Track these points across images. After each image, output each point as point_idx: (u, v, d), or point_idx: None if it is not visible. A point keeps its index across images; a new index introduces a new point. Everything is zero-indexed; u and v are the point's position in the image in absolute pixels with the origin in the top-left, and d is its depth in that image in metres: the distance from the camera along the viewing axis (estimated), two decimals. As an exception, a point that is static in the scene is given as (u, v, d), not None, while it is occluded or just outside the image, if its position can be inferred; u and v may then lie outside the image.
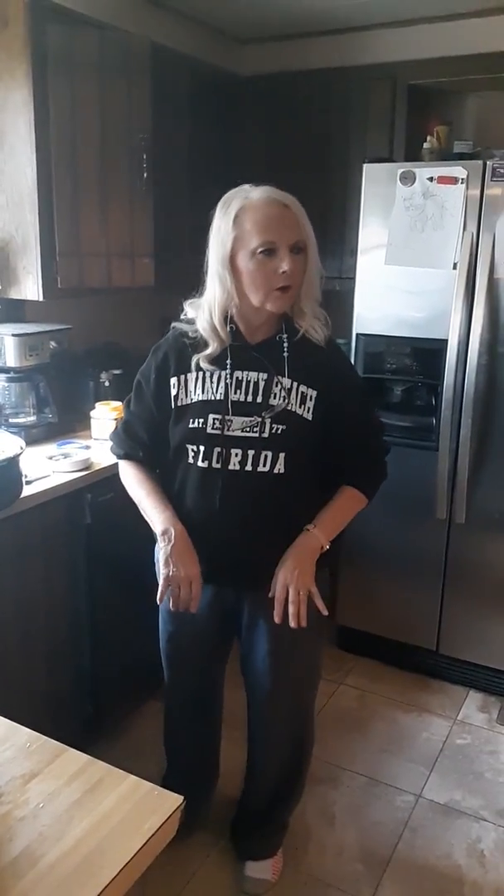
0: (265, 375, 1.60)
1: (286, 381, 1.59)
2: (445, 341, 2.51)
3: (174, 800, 0.92)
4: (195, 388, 1.62)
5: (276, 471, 1.59)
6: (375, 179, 2.57)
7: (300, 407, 1.60)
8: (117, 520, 2.18)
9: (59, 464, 2.13)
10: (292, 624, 1.59)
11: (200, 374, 1.62)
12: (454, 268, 2.47)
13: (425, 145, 2.75)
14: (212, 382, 1.61)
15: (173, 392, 1.64)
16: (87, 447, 2.31)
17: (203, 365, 1.61)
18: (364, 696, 2.75)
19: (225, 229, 1.52)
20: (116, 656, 2.32)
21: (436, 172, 2.46)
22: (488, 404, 2.54)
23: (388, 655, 2.91)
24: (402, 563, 2.79)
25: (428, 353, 2.63)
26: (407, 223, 2.53)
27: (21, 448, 1.86)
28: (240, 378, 1.60)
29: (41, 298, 2.36)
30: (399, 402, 2.79)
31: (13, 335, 2.32)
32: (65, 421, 2.51)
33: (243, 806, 2.02)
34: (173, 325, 1.70)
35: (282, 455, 1.59)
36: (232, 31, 3.12)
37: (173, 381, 1.64)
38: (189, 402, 1.63)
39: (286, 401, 1.59)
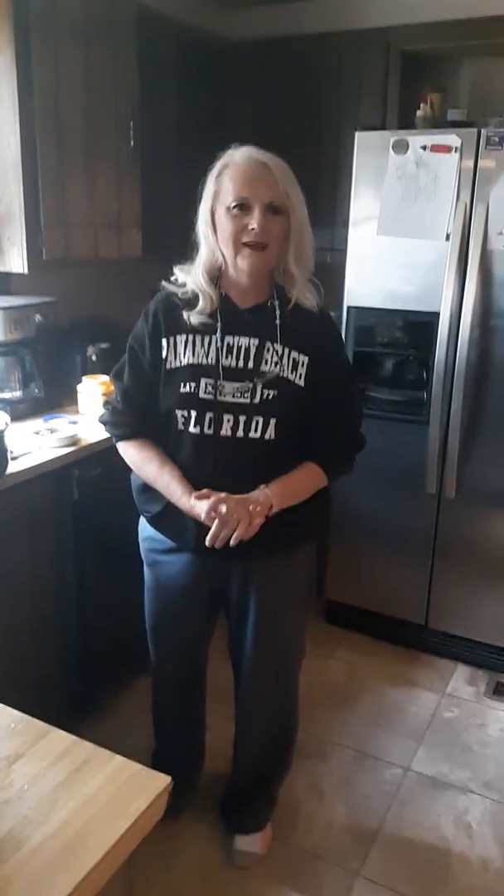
0: (256, 341, 1.58)
1: (278, 347, 1.58)
2: (437, 314, 2.48)
3: (161, 780, 0.91)
4: (184, 350, 1.60)
5: (266, 437, 1.58)
6: (367, 148, 2.52)
7: (292, 373, 1.58)
8: (105, 496, 2.16)
9: (46, 439, 2.10)
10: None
11: (191, 336, 1.60)
12: (447, 239, 2.43)
13: (418, 113, 2.70)
14: (202, 346, 1.59)
15: (163, 354, 1.62)
16: (74, 422, 2.28)
17: (194, 321, 1.59)
18: (352, 670, 2.76)
19: (209, 186, 1.54)
20: (104, 633, 2.31)
21: (429, 141, 2.41)
22: (480, 378, 2.52)
23: (376, 630, 2.92)
24: (391, 537, 2.79)
25: (419, 326, 2.60)
26: (399, 193, 2.48)
27: (6, 423, 1.83)
28: (230, 343, 1.58)
29: (26, 271, 2.30)
30: (390, 375, 2.76)
31: (-2, 308, 2.27)
32: (51, 396, 2.47)
33: (232, 780, 2.03)
34: (162, 284, 1.67)
35: (272, 421, 1.58)
36: (220, -7, 3.03)
37: (164, 342, 1.62)
38: (178, 365, 1.60)
39: (278, 366, 1.57)
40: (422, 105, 2.71)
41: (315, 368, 1.60)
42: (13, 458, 1.93)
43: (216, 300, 1.59)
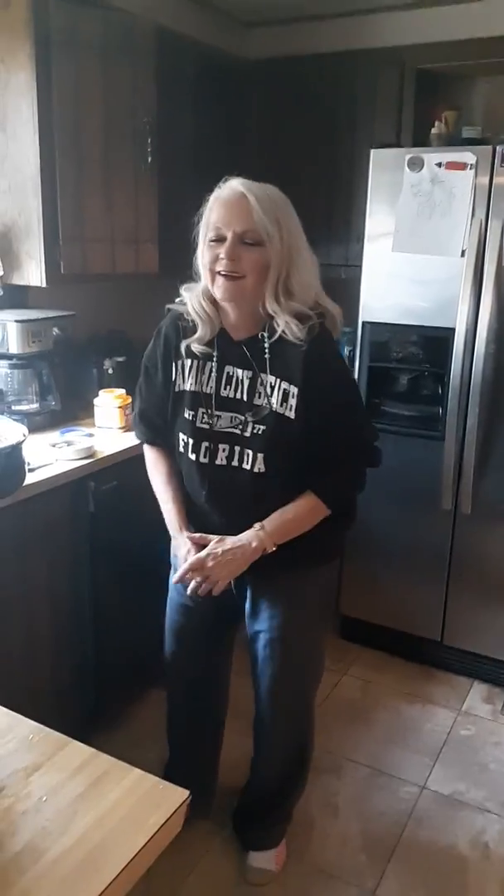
0: (250, 373, 1.60)
1: (270, 379, 1.59)
2: (453, 330, 2.48)
3: (179, 794, 0.91)
4: (188, 375, 1.65)
5: (255, 469, 1.60)
6: (383, 165, 2.54)
7: (282, 405, 1.58)
8: (121, 508, 2.16)
9: (63, 451, 2.10)
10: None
11: (195, 362, 1.64)
12: (462, 255, 2.43)
13: (433, 130, 2.71)
14: (203, 373, 1.63)
15: (173, 376, 1.67)
16: (91, 435, 2.28)
17: (195, 349, 1.63)
18: (367, 686, 2.74)
19: (201, 221, 1.57)
20: (119, 645, 2.30)
21: (444, 158, 2.42)
22: (495, 394, 2.51)
23: (391, 646, 2.90)
24: (406, 553, 2.78)
25: (435, 341, 2.60)
26: (414, 210, 2.49)
27: (24, 435, 1.84)
28: (229, 373, 1.62)
29: (44, 284, 2.33)
30: (405, 391, 2.76)
31: (16, 321, 2.29)
32: (68, 408, 2.48)
33: (247, 796, 2.02)
34: (168, 307, 1.72)
35: (260, 455, 1.59)
36: (238, 14, 3.07)
37: (174, 364, 1.67)
38: (183, 389, 1.66)
39: (269, 401, 1.58)
40: (437, 122, 2.73)
41: (305, 398, 1.56)
42: (30, 470, 1.94)
43: (216, 326, 1.62)
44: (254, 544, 1.59)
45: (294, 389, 1.57)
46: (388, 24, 2.91)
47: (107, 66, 2.30)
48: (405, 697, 2.68)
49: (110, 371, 2.64)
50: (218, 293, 1.55)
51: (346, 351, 3.15)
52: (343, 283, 3.04)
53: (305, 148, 3.00)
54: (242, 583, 1.74)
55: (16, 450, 1.81)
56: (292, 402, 1.57)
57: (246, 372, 1.60)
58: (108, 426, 2.37)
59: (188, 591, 1.63)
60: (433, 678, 2.79)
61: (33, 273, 2.33)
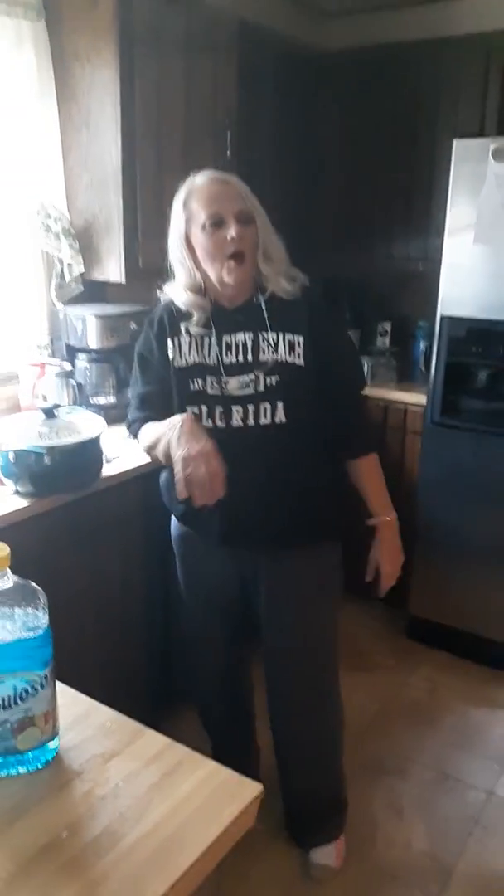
0: (251, 335, 1.65)
1: (271, 335, 1.64)
2: (535, 326, 2.41)
3: (253, 788, 0.92)
4: (189, 350, 1.69)
5: (276, 420, 1.63)
6: (465, 156, 2.48)
7: (290, 354, 1.63)
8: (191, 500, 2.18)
9: (137, 444, 2.14)
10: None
11: (193, 338, 1.68)
12: (547, 249, 2.36)
13: (519, 120, 2.63)
14: (203, 347, 1.67)
15: (170, 354, 1.70)
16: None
17: (192, 330, 1.68)
18: (434, 688, 2.70)
19: (177, 214, 1.64)
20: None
21: (531, 148, 2.35)
22: None
23: (460, 647, 2.85)
24: (479, 552, 2.72)
25: (516, 337, 2.53)
26: (498, 201, 2.42)
27: (102, 428, 1.88)
28: (228, 342, 1.66)
29: (123, 280, 2.37)
30: (484, 387, 2.70)
31: (95, 316, 2.34)
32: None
33: (285, 795, 1.99)
34: (160, 295, 1.76)
35: (280, 404, 1.62)
36: (320, 3, 3.04)
37: (169, 342, 1.70)
38: (185, 364, 1.69)
39: (275, 353, 1.63)
40: (524, 111, 2.65)
41: (313, 344, 1.64)
42: (108, 462, 1.98)
43: (208, 308, 1.67)
44: (387, 531, 1.78)
45: (299, 338, 1.64)
46: (472, 10, 2.84)
47: (188, 61, 2.32)
48: (473, 701, 2.63)
49: (185, 364, 2.67)
50: (229, 278, 1.61)
51: (422, 346, 3.10)
52: (420, 276, 3.00)
53: (385, 139, 2.96)
54: (255, 568, 1.76)
55: (94, 442, 1.86)
56: (299, 350, 1.64)
57: (247, 334, 1.65)
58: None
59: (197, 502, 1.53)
60: (502, 682, 2.73)
61: (112, 269, 2.37)
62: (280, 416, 1.63)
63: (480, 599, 2.75)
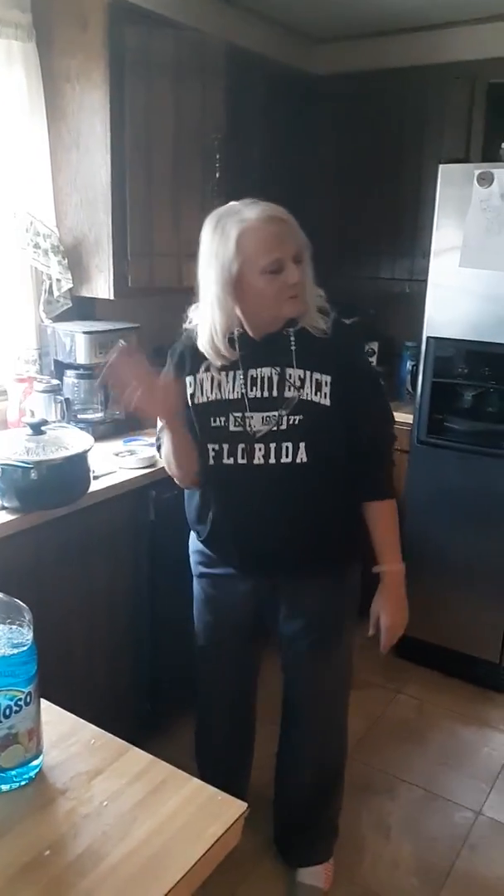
0: (277, 370, 1.60)
1: (298, 372, 1.60)
2: (520, 346, 2.44)
3: (237, 806, 0.91)
4: (210, 387, 1.64)
5: (298, 460, 1.59)
6: (451, 180, 2.52)
7: (316, 394, 1.59)
8: (181, 517, 2.18)
9: (126, 460, 2.15)
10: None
11: (215, 374, 1.63)
12: (531, 271, 2.39)
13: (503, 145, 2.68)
14: (227, 382, 1.63)
15: (189, 391, 1.65)
16: (153, 444, 2.32)
17: (216, 365, 1.62)
18: (423, 706, 2.70)
19: (226, 255, 1.50)
20: (175, 653, 2.32)
21: (515, 173, 2.39)
22: None
23: (448, 666, 2.85)
24: (467, 572, 2.72)
25: (501, 358, 2.56)
26: (483, 225, 2.46)
27: (90, 444, 1.89)
28: (254, 376, 1.61)
29: (112, 297, 2.39)
30: (470, 407, 2.72)
31: (84, 333, 2.35)
32: (132, 418, 2.52)
33: (279, 813, 1.99)
34: (184, 327, 1.71)
35: (302, 444, 1.59)
36: (307, 30, 3.10)
37: (189, 379, 1.65)
38: (205, 400, 1.64)
39: (300, 391, 1.59)
40: (507, 137, 2.69)
41: (340, 384, 1.60)
42: (95, 478, 1.99)
43: (230, 356, 1.59)
44: (392, 582, 1.73)
45: (327, 378, 1.59)
46: (457, 38, 2.89)
47: (178, 84, 2.35)
48: (461, 719, 2.63)
49: (173, 382, 2.68)
50: (290, 312, 1.56)
51: (408, 365, 3.13)
52: (407, 297, 3.03)
53: (373, 163, 3.01)
54: (275, 592, 1.75)
55: (82, 458, 1.86)
56: (326, 389, 1.59)
57: (273, 369, 1.60)
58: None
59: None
60: (490, 701, 2.73)
61: (101, 286, 2.39)
62: (302, 456, 1.59)
63: (469, 618, 2.75)
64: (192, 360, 1.66)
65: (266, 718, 2.01)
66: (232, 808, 0.91)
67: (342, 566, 1.76)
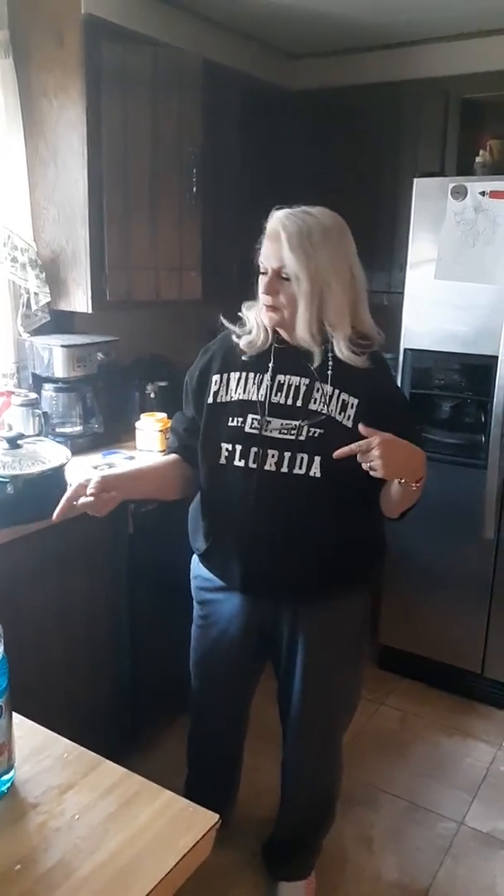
0: (307, 381, 1.59)
1: (328, 388, 1.58)
2: (496, 357, 2.47)
3: (209, 817, 0.91)
4: (236, 386, 1.63)
5: (311, 474, 1.56)
6: (426, 194, 2.55)
7: (340, 414, 1.57)
8: (159, 531, 2.18)
9: (104, 474, 2.13)
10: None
11: (243, 374, 1.63)
12: (505, 283, 2.43)
13: (478, 159, 2.72)
14: (254, 383, 1.62)
15: (213, 388, 1.65)
16: (132, 458, 2.32)
17: (248, 356, 1.63)
18: (405, 717, 2.70)
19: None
20: (155, 668, 2.31)
21: (488, 187, 2.43)
22: (539, 422, 2.48)
23: (430, 677, 2.85)
24: (447, 582, 2.74)
25: (477, 369, 2.58)
26: (458, 238, 2.49)
27: (67, 458, 1.88)
28: (282, 381, 1.60)
29: (90, 310, 2.39)
30: (447, 418, 2.74)
31: (62, 346, 2.35)
32: (110, 431, 2.53)
33: (278, 829, 1.98)
34: (223, 323, 1.71)
35: (317, 459, 1.56)
36: (283, 46, 3.14)
37: (215, 377, 1.66)
38: (228, 399, 1.63)
39: (326, 407, 1.57)
40: (481, 151, 2.73)
41: (369, 412, 1.55)
42: (72, 492, 1.97)
43: (269, 338, 1.62)
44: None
45: (354, 401, 1.57)
46: (432, 55, 2.94)
47: (155, 99, 2.37)
48: (444, 730, 2.63)
49: (152, 395, 2.68)
50: (263, 319, 1.60)
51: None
52: (385, 309, 3.05)
53: (349, 177, 3.03)
54: (279, 616, 1.72)
55: (58, 472, 1.85)
56: (350, 412, 1.56)
57: (303, 379, 1.59)
58: (149, 449, 2.40)
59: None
60: (473, 711, 2.73)
61: (79, 300, 2.39)
62: (315, 470, 1.55)
63: (450, 629, 2.76)
64: (223, 359, 1.67)
65: (269, 738, 2.00)
66: (203, 819, 0.91)
67: (347, 594, 1.72)
